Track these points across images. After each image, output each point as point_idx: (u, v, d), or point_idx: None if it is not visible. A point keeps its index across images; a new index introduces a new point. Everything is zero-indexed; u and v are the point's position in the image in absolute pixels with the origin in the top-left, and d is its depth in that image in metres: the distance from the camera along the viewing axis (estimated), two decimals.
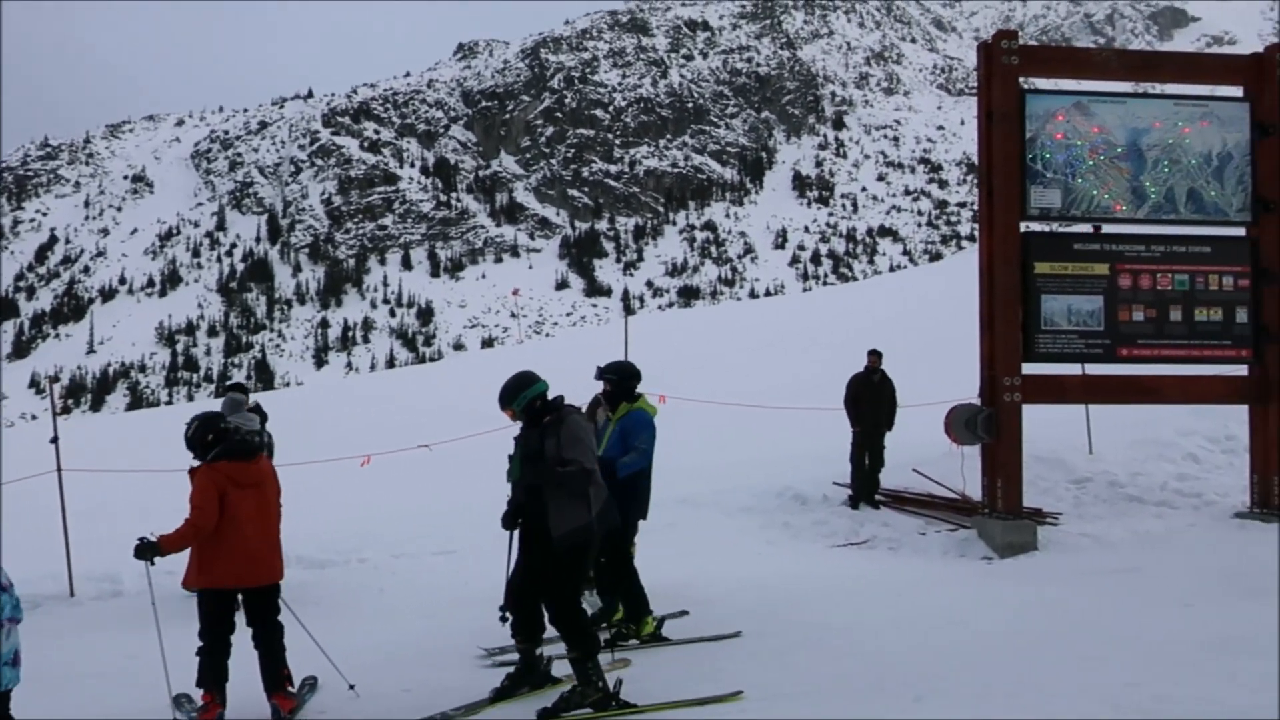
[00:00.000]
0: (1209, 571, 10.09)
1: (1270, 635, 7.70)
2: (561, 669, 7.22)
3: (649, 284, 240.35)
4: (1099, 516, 12.67)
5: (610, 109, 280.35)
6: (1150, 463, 14.36)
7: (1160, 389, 12.77)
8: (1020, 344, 12.07)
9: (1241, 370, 12.83)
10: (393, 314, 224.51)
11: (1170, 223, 12.56)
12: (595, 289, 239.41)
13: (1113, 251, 12.29)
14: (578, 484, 6.69)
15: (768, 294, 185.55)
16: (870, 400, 13.78)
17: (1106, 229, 12.58)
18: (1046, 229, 13.72)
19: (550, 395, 6.95)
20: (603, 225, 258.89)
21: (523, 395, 6.89)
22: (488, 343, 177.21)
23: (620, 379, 8.75)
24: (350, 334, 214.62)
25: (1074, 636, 7.93)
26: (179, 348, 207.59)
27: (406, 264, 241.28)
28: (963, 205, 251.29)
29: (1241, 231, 12.77)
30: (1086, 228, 12.59)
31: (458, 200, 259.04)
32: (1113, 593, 9.42)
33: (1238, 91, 12.94)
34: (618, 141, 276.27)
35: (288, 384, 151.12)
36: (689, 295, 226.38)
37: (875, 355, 14.15)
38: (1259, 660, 7.08)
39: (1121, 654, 7.39)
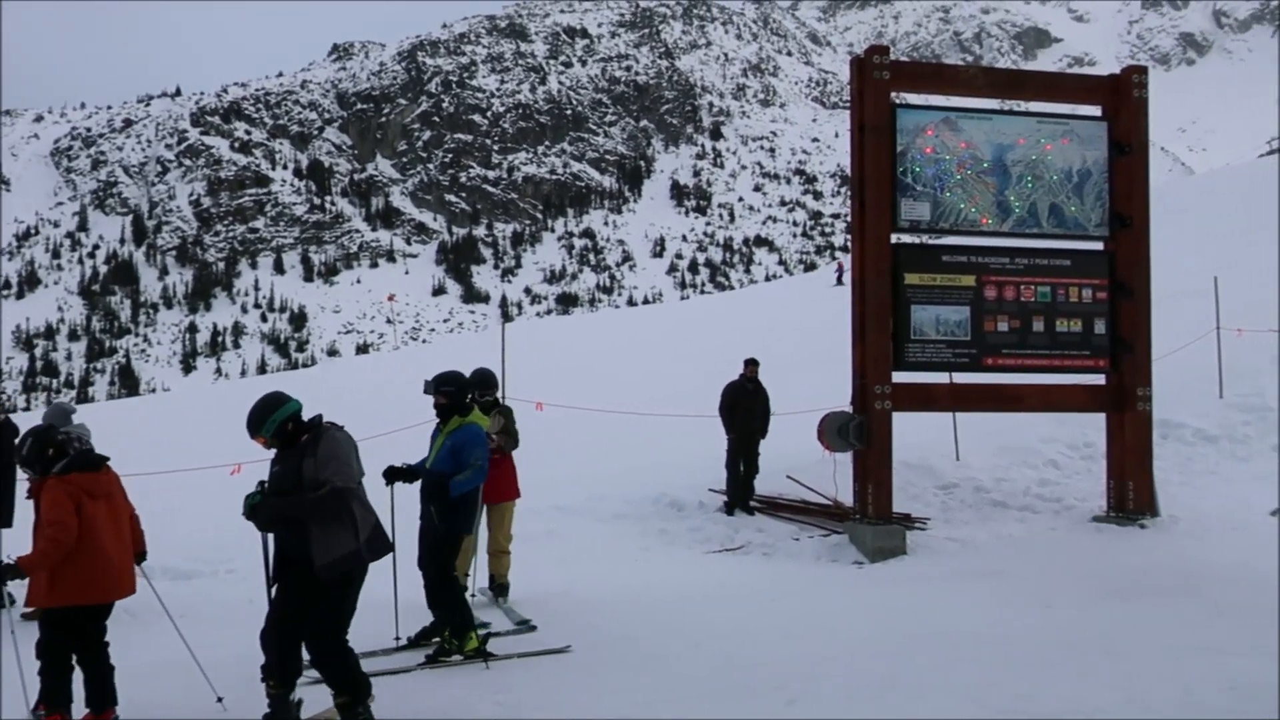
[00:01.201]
0: (1068, 573, 10.45)
1: (1125, 635, 8.01)
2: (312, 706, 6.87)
3: (527, 291, 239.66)
4: (965, 521, 13.00)
5: (488, 114, 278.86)
6: (1014, 469, 14.79)
7: (1023, 397, 13.15)
8: (891, 353, 12.32)
9: (1099, 379, 13.31)
10: (264, 319, 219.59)
11: (1033, 236, 12.96)
12: (473, 295, 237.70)
13: (979, 264, 12.64)
14: (331, 506, 6.09)
15: (646, 302, 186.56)
16: (745, 408, 13.91)
17: (973, 242, 12.94)
18: (916, 241, 14.06)
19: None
20: (480, 231, 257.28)
21: (271, 419, 6.24)
22: (362, 349, 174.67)
23: (457, 391, 8.38)
24: (220, 339, 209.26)
25: (941, 637, 8.13)
26: (37, 352, 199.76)
27: (279, 268, 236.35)
28: (836, 216, 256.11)
29: (1100, 246, 13.24)
30: (956, 239, 12.95)
31: (332, 204, 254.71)
32: (977, 595, 9.68)
33: (1097, 111, 13.43)
34: (496, 147, 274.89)
35: (153, 390, 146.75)
36: (567, 302, 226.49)
37: (753, 365, 14.29)
38: (1114, 659, 7.35)
39: (985, 654, 7.60)
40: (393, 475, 8.20)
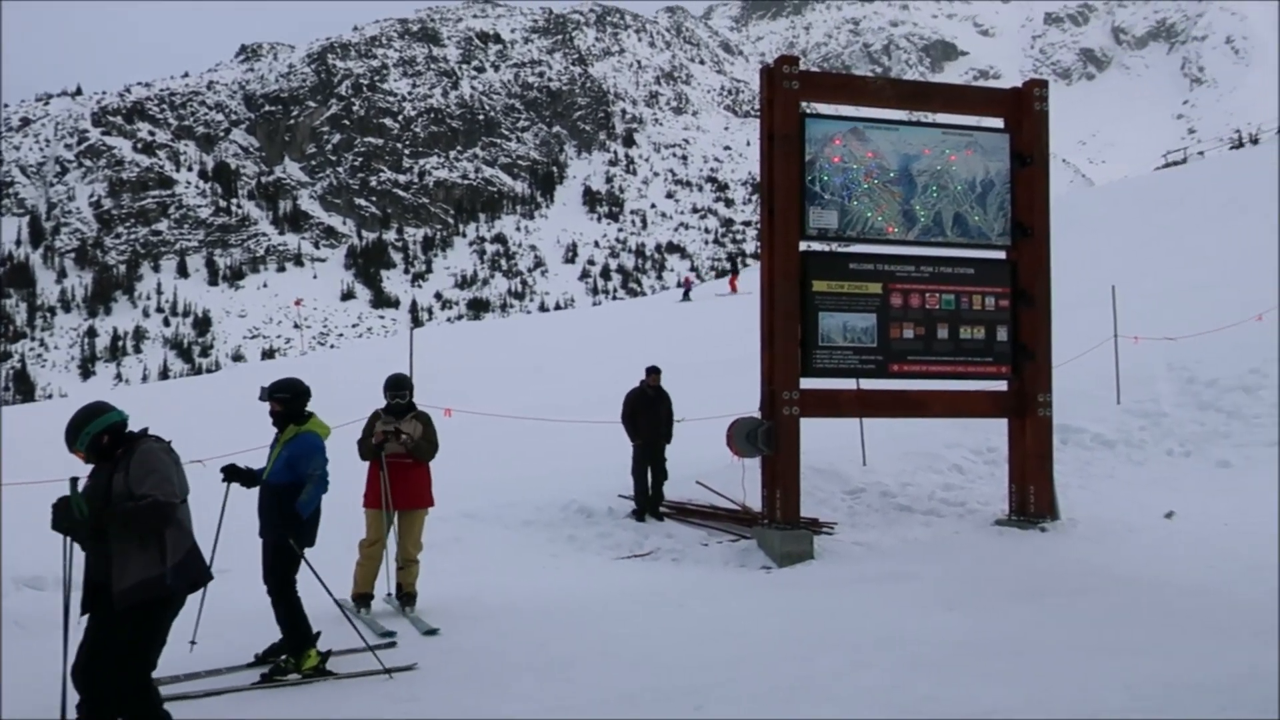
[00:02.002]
0: (971, 576, 10.64)
1: (1025, 635, 8.17)
2: None
3: (438, 296, 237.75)
4: (871, 525, 13.14)
5: (399, 118, 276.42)
6: (919, 473, 14.99)
7: (928, 403, 13.35)
8: (799, 359, 12.40)
9: (1001, 386, 13.55)
10: (167, 323, 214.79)
11: (938, 245, 13.15)
12: (382, 300, 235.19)
13: (885, 271, 12.78)
14: (149, 519, 5.52)
15: (558, 307, 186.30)
16: (647, 414, 13.87)
17: (879, 250, 13.10)
18: (825, 249, 14.20)
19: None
20: (391, 235, 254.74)
21: (85, 432, 5.70)
22: (269, 354, 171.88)
23: (292, 398, 8.06)
24: (120, 344, 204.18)
25: (846, 641, 8.21)
26: None
27: (182, 271, 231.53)
28: (748, 224, 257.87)
29: (1002, 255, 13.48)
30: (863, 248, 13.09)
31: (238, 206, 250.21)
32: (883, 598, 9.80)
33: (1000, 123, 13.70)
34: (407, 151, 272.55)
35: (49, 396, 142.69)
36: (478, 308, 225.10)
37: (654, 374, 14.22)
38: (1014, 660, 7.50)
39: (891, 656, 7.70)
40: (232, 474, 7.88)
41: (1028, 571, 10.76)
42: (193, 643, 7.73)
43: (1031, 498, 13.02)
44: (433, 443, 9.90)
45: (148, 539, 5.59)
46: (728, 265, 73.50)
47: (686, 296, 53.78)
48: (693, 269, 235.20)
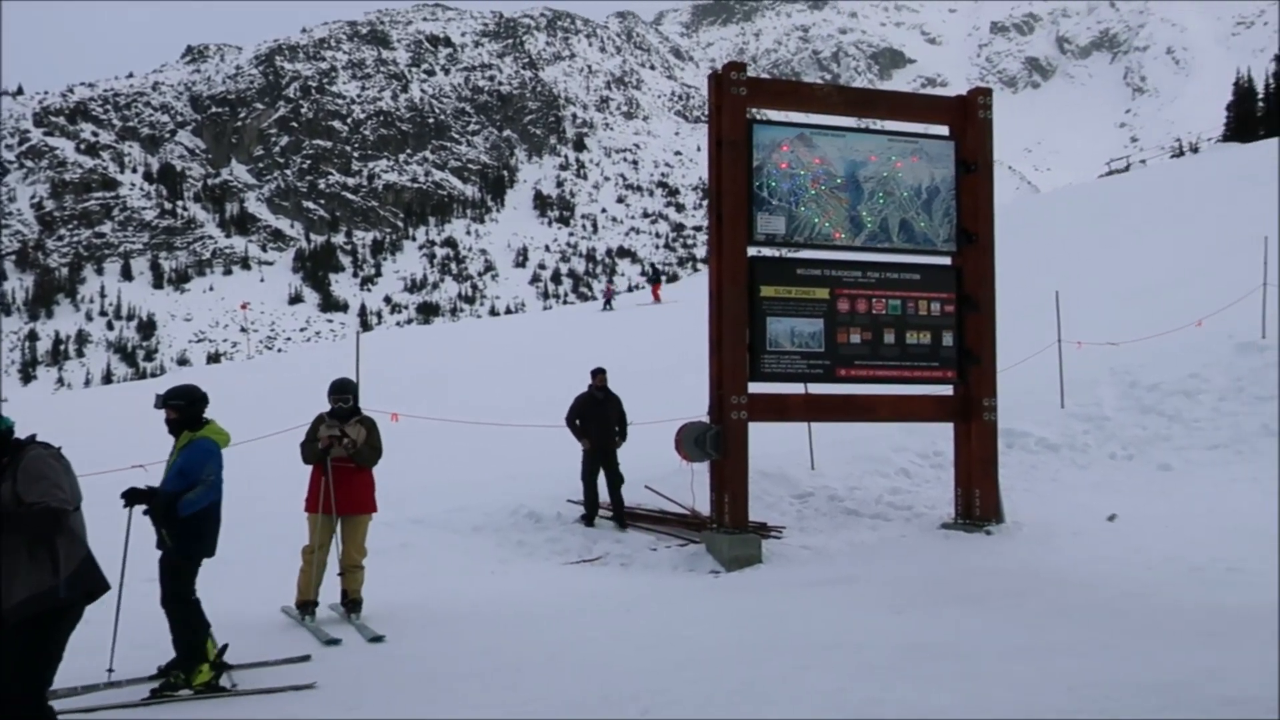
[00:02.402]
0: (917, 579, 10.71)
1: (970, 638, 8.23)
2: None
3: (387, 299, 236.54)
4: (819, 529, 13.20)
5: (349, 121, 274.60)
6: (867, 478, 15.09)
7: (875, 407, 13.43)
8: (747, 364, 12.43)
9: (947, 390, 13.66)
10: (110, 327, 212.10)
11: (885, 251, 13.23)
12: (331, 304, 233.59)
13: (832, 277, 12.83)
14: (40, 524, 5.27)
15: (508, 312, 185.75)
16: (596, 417, 13.82)
17: (826, 256, 13.17)
18: (773, 254, 14.25)
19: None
20: (339, 239, 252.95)
21: None
22: (214, 358, 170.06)
23: (188, 404, 7.78)
24: (62, 347, 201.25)
25: (793, 644, 8.24)
26: None
27: (126, 274, 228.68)
28: (698, 229, 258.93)
29: (948, 261, 13.59)
30: (810, 253, 13.15)
31: (184, 209, 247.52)
32: (830, 602, 9.83)
33: (945, 130, 13.82)
34: (356, 154, 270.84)
35: None
36: (428, 312, 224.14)
37: (600, 374, 14.17)
38: (959, 662, 7.55)
39: (837, 659, 7.72)
40: (133, 497, 7.58)
41: (973, 574, 10.85)
42: (110, 670, 7.54)
43: (977, 501, 13.14)
44: (376, 448, 9.82)
45: (38, 550, 5.36)
46: (650, 274, 75.49)
47: (608, 305, 54.15)
48: (643, 273, 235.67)
